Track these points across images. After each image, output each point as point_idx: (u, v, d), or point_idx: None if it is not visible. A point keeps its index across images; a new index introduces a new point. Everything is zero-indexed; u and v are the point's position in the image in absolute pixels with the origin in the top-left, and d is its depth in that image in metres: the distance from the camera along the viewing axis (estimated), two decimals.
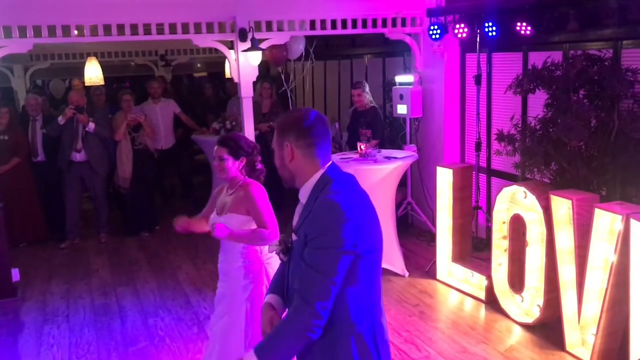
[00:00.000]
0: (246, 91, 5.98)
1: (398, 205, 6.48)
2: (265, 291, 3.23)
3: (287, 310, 2.20)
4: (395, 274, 5.62)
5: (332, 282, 1.98)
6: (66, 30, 5.47)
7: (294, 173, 2.16)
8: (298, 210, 2.20)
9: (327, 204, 2.01)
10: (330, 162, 2.16)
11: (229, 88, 8.94)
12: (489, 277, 4.96)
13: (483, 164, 6.09)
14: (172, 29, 5.70)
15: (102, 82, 9.02)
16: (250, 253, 3.26)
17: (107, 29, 5.55)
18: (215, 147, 3.26)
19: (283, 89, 7.48)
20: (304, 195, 2.15)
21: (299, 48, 7.30)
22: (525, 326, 4.57)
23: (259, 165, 3.35)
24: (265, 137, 7.20)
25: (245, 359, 2.06)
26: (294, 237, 2.15)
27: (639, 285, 3.54)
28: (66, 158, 6.94)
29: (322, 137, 2.13)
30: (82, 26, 5.58)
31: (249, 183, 3.24)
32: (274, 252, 2.26)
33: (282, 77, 7.51)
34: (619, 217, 3.71)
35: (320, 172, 2.12)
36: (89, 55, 9.46)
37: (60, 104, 8.84)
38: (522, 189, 4.50)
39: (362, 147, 5.60)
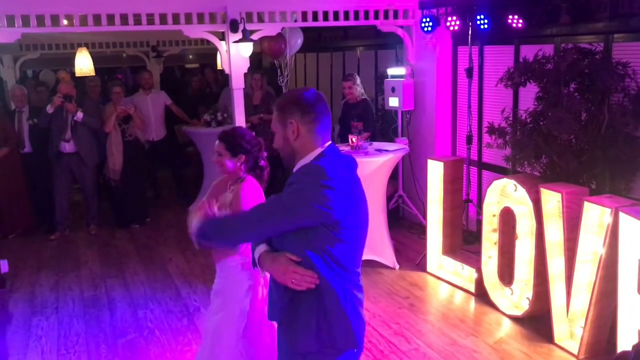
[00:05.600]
0: (237, 83, 5.93)
1: (389, 198, 6.48)
2: (264, 287, 3.21)
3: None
4: (386, 267, 5.63)
5: (284, 221, 2.09)
6: (55, 20, 5.40)
7: (297, 151, 2.19)
8: None
9: (314, 166, 2.09)
10: (330, 142, 2.21)
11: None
12: (478, 270, 4.98)
13: (474, 157, 6.09)
14: (163, 19, 5.64)
15: (92, 73, 8.94)
16: (249, 249, 3.21)
17: (97, 19, 5.48)
18: (216, 142, 3.19)
19: (281, 80, 7.40)
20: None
21: (297, 42, 7.23)
22: (515, 319, 4.59)
23: (262, 162, 3.24)
24: (257, 129, 7.17)
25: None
26: None
27: (627, 278, 3.55)
28: (55, 149, 6.88)
29: (323, 114, 2.19)
30: (72, 16, 5.50)
31: (244, 180, 3.15)
32: None
33: (278, 69, 7.45)
34: (608, 210, 3.73)
35: (319, 149, 2.18)
36: (79, 45, 9.38)
37: (50, 94, 8.74)
38: (513, 182, 4.51)
39: (354, 139, 5.59)
